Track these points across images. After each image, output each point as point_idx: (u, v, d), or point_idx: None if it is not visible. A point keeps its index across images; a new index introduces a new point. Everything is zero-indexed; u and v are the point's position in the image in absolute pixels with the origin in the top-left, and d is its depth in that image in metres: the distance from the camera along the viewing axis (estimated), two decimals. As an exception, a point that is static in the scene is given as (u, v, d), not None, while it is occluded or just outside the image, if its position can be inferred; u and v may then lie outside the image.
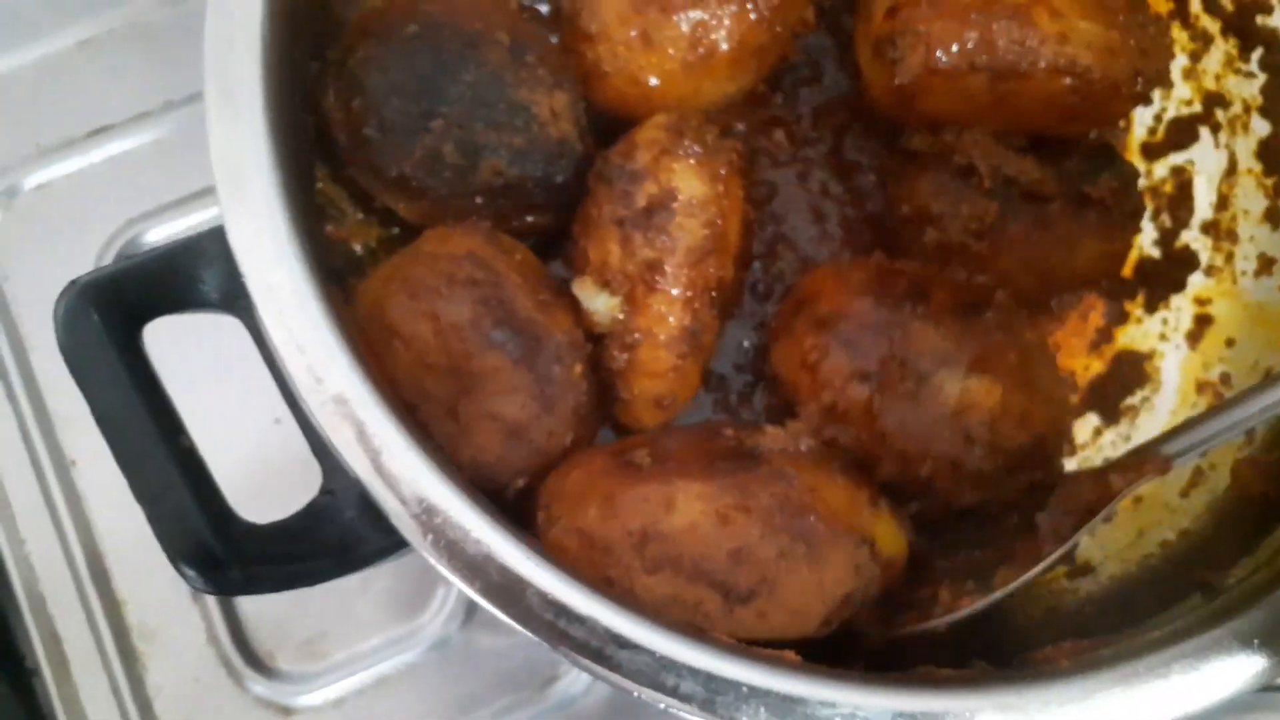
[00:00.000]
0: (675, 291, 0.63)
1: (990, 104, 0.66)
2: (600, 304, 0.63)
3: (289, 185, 0.58)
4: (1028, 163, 0.68)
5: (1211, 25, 0.81)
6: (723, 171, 0.65)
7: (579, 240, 0.65)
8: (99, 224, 0.83)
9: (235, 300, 0.59)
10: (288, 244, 0.56)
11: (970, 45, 0.64)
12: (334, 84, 0.65)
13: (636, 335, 0.63)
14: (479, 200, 0.67)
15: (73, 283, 0.58)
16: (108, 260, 0.82)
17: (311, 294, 0.56)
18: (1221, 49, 0.81)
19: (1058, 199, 0.68)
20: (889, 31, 0.67)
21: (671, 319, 0.63)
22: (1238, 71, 0.81)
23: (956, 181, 0.68)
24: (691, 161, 0.64)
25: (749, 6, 0.67)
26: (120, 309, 0.57)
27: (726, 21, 0.66)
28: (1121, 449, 0.74)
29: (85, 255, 0.82)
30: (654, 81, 0.67)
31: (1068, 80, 0.65)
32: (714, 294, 0.65)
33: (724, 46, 0.67)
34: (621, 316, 0.63)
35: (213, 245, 0.58)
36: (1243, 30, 0.81)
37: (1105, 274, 0.76)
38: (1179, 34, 0.81)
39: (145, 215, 0.83)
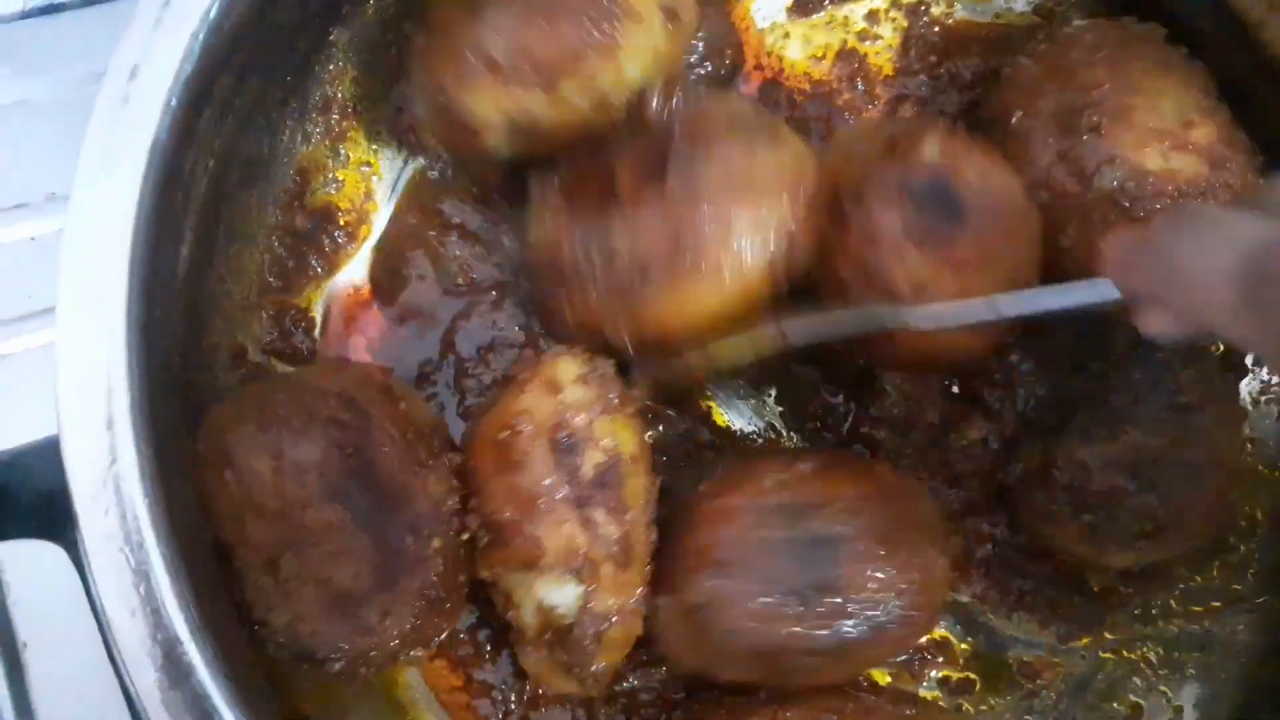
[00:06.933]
0: (641, 557, 0.58)
1: None
2: (568, 595, 0.56)
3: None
4: None
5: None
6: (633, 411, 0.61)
7: (517, 528, 0.56)
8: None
9: (59, 529, 0.48)
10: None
11: None
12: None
13: (613, 619, 0.57)
14: None
15: None
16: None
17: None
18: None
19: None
20: None
21: (639, 587, 0.58)
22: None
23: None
24: (621, 414, 0.59)
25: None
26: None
27: None
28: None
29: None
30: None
31: None
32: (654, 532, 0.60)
33: None
34: (588, 604, 0.56)
35: (39, 463, 0.48)
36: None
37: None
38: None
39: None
